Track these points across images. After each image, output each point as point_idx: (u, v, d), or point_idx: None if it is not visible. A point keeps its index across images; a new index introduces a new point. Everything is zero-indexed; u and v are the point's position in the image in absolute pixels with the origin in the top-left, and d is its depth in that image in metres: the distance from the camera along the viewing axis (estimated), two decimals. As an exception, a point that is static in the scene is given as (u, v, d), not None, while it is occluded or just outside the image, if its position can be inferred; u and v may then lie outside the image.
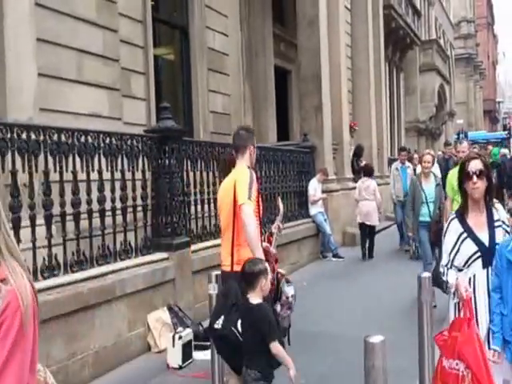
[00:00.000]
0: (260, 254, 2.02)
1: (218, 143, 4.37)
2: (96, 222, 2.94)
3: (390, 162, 10.40)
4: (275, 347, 1.84)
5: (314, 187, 6.05)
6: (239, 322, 1.94)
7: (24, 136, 2.50)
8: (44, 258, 2.58)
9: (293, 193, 5.81)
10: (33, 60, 3.08)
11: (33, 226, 2.53)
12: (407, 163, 6.57)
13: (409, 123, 15.16)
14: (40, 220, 2.61)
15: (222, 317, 1.98)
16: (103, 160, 3.00)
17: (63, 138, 2.72)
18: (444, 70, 17.94)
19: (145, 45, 4.58)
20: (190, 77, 5.48)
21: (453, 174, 3.59)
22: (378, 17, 9.79)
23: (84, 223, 2.86)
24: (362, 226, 5.92)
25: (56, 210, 2.69)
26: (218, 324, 1.98)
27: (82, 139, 2.84)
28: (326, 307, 4.02)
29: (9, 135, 2.43)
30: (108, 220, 3.02)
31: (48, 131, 2.64)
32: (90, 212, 2.89)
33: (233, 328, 1.94)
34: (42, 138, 2.60)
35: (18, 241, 2.42)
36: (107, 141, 3.01)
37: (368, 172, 6.19)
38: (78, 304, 2.65)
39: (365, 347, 1.36)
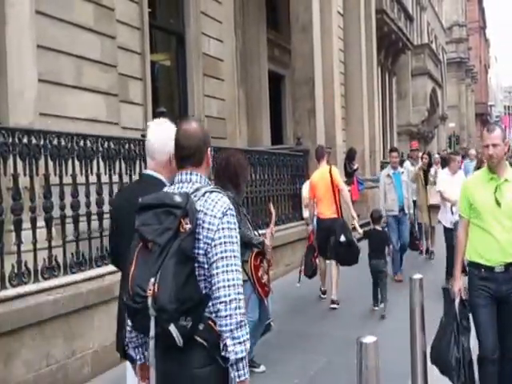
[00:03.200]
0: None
1: (213, 147, 4.44)
2: (95, 224, 3.00)
3: (383, 165, 10.56)
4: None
5: (308, 190, 6.15)
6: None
7: (25, 140, 2.56)
8: (44, 259, 2.65)
9: (286, 196, 5.90)
10: (33, 66, 3.14)
11: (33, 228, 2.59)
12: (400, 168, 5.28)
13: (401, 127, 15.34)
14: (40, 222, 2.67)
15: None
16: (102, 163, 3.06)
17: (63, 143, 2.78)
18: (436, 74, 18.20)
19: (142, 51, 4.66)
20: (186, 82, 5.56)
21: (472, 183, 2.21)
22: (371, 21, 9.94)
23: (83, 225, 2.92)
24: None
25: (56, 212, 2.75)
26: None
27: (81, 143, 2.90)
28: (319, 308, 4.11)
29: (10, 140, 2.49)
30: (106, 222, 3.09)
31: (48, 136, 2.70)
32: (88, 214, 2.96)
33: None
34: (42, 142, 2.66)
35: (20, 242, 2.50)
36: (105, 145, 3.08)
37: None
38: (78, 304, 2.71)
39: (357, 347, 1.36)
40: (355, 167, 7.74)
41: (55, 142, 2.74)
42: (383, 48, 12.75)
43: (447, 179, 4.58)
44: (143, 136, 3.62)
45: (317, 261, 4.30)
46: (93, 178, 2.99)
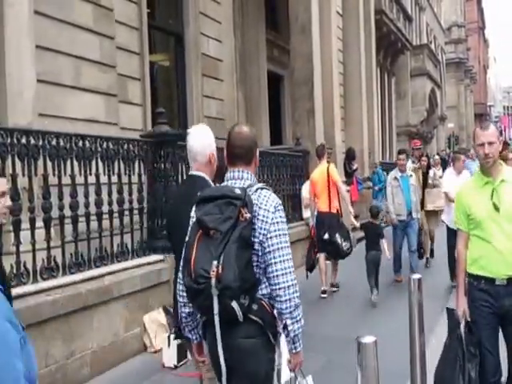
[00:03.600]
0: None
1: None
2: (94, 224, 3.00)
3: (382, 165, 10.54)
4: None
5: (308, 190, 6.16)
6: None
7: (24, 141, 2.57)
8: (43, 260, 2.65)
9: (286, 196, 5.90)
10: (32, 66, 3.14)
11: (32, 228, 2.59)
12: (408, 170, 4.90)
13: (400, 127, 15.36)
14: (39, 223, 2.67)
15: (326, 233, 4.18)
16: (100, 164, 3.07)
17: (62, 143, 2.79)
18: (435, 75, 18.23)
19: (141, 51, 4.66)
20: (185, 82, 5.57)
21: (466, 192, 1.99)
22: (370, 22, 9.96)
23: (82, 226, 2.92)
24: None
25: (55, 212, 2.75)
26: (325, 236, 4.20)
27: (80, 144, 2.91)
28: (319, 308, 4.11)
29: (9, 140, 2.50)
30: (105, 223, 3.09)
31: (47, 136, 2.71)
32: (87, 215, 2.96)
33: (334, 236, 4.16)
34: (41, 142, 2.66)
35: (18, 243, 2.50)
36: (104, 145, 3.08)
37: None
38: (77, 305, 2.71)
39: (357, 347, 1.36)
40: (355, 167, 7.75)
41: (54, 142, 2.74)
42: (382, 48, 12.77)
43: (452, 179, 4.36)
44: (142, 136, 3.65)
45: (317, 256, 4.47)
46: (92, 179, 2.99)
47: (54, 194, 2.75)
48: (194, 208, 1.44)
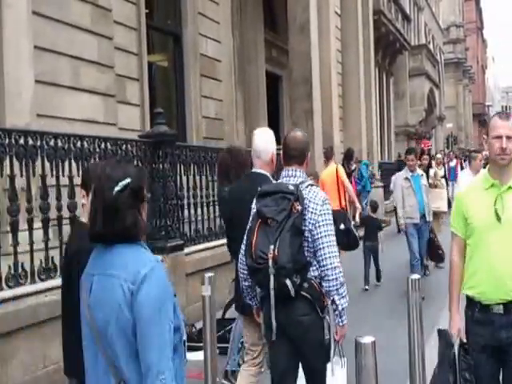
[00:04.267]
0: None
1: (210, 148, 4.46)
2: (92, 225, 3.00)
3: (380, 166, 10.54)
4: None
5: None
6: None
7: (22, 141, 2.56)
8: (41, 261, 2.64)
9: (284, 196, 5.92)
10: (30, 67, 3.14)
11: (30, 229, 2.58)
12: (418, 169, 4.50)
13: (398, 127, 15.40)
14: (37, 223, 2.67)
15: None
16: (99, 164, 3.08)
17: (60, 143, 2.78)
18: (433, 75, 18.27)
19: (139, 52, 4.67)
20: (183, 83, 5.57)
21: (467, 193, 1.74)
22: (368, 22, 9.98)
23: (80, 226, 2.92)
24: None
25: (53, 213, 2.74)
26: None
27: (78, 144, 2.90)
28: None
29: (7, 141, 2.49)
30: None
31: (45, 136, 2.70)
32: (85, 215, 2.96)
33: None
34: (39, 143, 2.65)
35: (16, 243, 2.50)
36: (102, 146, 3.08)
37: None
38: (75, 305, 2.71)
39: (356, 347, 1.37)
40: (353, 167, 7.76)
41: (52, 142, 2.73)
42: (381, 48, 12.80)
43: (469, 181, 4.03)
44: (140, 137, 3.64)
45: None
46: (90, 179, 2.99)
47: (52, 194, 2.74)
48: (254, 201, 1.72)
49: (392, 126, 15.03)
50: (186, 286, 3.67)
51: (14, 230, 2.50)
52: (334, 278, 1.63)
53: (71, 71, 3.80)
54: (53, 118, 3.49)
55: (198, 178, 4.03)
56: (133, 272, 1.03)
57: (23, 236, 2.55)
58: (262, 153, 2.07)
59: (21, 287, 2.49)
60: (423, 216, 4.24)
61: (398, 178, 4.51)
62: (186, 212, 3.91)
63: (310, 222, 1.65)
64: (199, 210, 4.06)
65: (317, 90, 6.84)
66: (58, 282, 2.67)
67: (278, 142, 7.82)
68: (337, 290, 1.64)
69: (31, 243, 2.58)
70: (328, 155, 5.20)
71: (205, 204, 4.09)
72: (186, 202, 3.91)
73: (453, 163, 11.77)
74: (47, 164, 2.72)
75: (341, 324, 1.69)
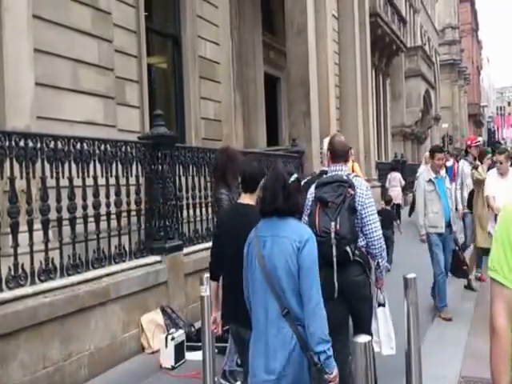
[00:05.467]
0: None
1: (209, 149, 4.49)
2: (91, 226, 3.01)
3: (377, 166, 10.60)
4: None
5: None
6: None
7: (22, 144, 2.57)
8: (41, 262, 2.66)
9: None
10: (30, 70, 3.15)
11: (30, 230, 2.59)
12: (442, 171, 3.86)
13: (395, 128, 15.49)
14: (37, 225, 2.68)
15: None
16: (98, 166, 3.07)
17: (59, 146, 2.79)
18: (429, 76, 18.40)
19: (138, 54, 4.68)
20: (182, 85, 5.59)
21: None
22: (365, 24, 10.04)
23: (80, 227, 2.93)
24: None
25: (53, 215, 2.76)
26: None
27: (78, 146, 2.92)
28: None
29: (7, 143, 2.50)
30: (103, 224, 3.10)
31: (45, 139, 2.71)
32: (85, 217, 2.97)
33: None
34: (39, 145, 2.67)
35: (16, 245, 2.51)
36: (102, 147, 3.09)
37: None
38: (74, 306, 2.72)
39: (353, 347, 1.40)
40: (350, 168, 7.82)
41: (52, 145, 2.75)
42: (377, 50, 12.88)
43: (497, 183, 3.75)
44: (139, 138, 3.66)
45: None
46: (89, 181, 3.00)
47: (52, 196, 2.75)
48: (312, 189, 2.23)
49: (388, 127, 15.12)
50: (185, 287, 3.70)
51: (14, 231, 2.51)
52: (379, 246, 2.22)
53: (71, 73, 3.81)
54: (53, 120, 3.50)
55: (196, 178, 4.06)
56: (299, 235, 1.52)
57: (23, 237, 2.56)
58: (326, 157, 2.60)
59: (21, 288, 2.51)
60: (449, 224, 3.64)
61: (421, 180, 3.78)
62: (184, 212, 3.93)
63: (359, 204, 2.17)
64: (198, 211, 4.08)
65: (314, 92, 6.88)
66: (57, 283, 2.71)
67: (275, 143, 7.79)
68: (380, 254, 2.24)
69: (31, 244, 2.59)
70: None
71: (203, 205, 4.11)
72: (184, 202, 3.93)
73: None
74: (47, 166, 2.74)
75: (381, 277, 2.31)
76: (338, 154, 2.30)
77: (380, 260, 2.24)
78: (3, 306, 2.36)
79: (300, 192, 1.63)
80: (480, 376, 2.63)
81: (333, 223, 2.06)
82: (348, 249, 2.08)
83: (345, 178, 2.19)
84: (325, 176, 2.34)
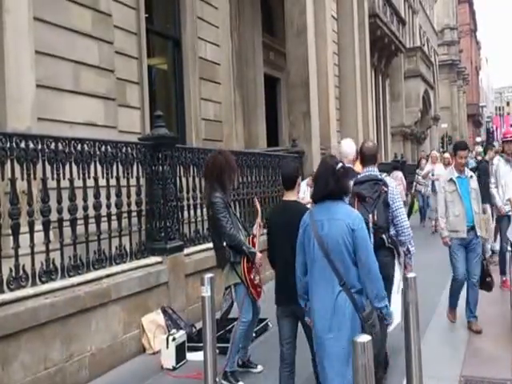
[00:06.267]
0: None
1: (209, 150, 4.50)
2: (92, 227, 3.02)
3: (378, 166, 10.57)
4: None
5: (304, 191, 6.21)
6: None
7: (23, 145, 2.58)
8: (42, 263, 2.66)
9: (282, 197, 5.95)
10: (31, 71, 3.16)
11: (31, 231, 2.60)
12: (467, 170, 3.56)
13: (394, 128, 15.51)
14: (38, 226, 2.68)
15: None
16: (99, 167, 3.08)
17: (60, 147, 2.80)
18: (428, 76, 18.43)
19: (139, 56, 4.68)
20: (183, 86, 5.59)
21: None
22: (364, 25, 10.07)
23: (80, 229, 2.94)
24: None
25: (53, 216, 2.76)
26: None
27: (79, 147, 2.92)
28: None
29: (8, 144, 2.51)
30: (104, 225, 3.11)
31: (46, 140, 2.72)
32: (86, 218, 2.97)
33: None
34: (40, 146, 2.68)
35: (17, 246, 2.51)
36: (103, 149, 3.10)
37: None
38: (75, 307, 2.72)
39: (353, 347, 1.40)
40: (350, 168, 7.84)
41: (53, 146, 2.75)
42: (376, 51, 12.90)
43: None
44: (140, 139, 3.67)
45: None
46: (90, 182, 3.01)
47: (53, 197, 2.76)
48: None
49: (388, 127, 15.14)
50: (186, 287, 3.70)
51: (15, 232, 2.52)
52: (408, 234, 2.63)
53: (72, 75, 3.81)
54: (54, 122, 3.50)
55: (197, 179, 4.06)
56: (352, 218, 1.89)
57: (24, 238, 2.57)
58: (348, 155, 3.12)
59: (22, 289, 2.51)
60: (472, 228, 3.30)
61: (442, 180, 3.54)
62: (185, 213, 3.93)
63: (390, 199, 2.59)
64: (199, 211, 4.09)
65: (314, 92, 6.90)
66: (58, 284, 2.72)
67: (275, 143, 7.79)
68: (409, 241, 2.64)
69: (32, 246, 2.60)
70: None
71: (204, 205, 4.11)
72: (185, 203, 3.94)
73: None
74: (48, 167, 2.74)
75: (410, 263, 2.69)
76: (368, 158, 2.71)
77: (409, 246, 2.65)
78: (4, 307, 2.36)
79: (347, 177, 2.00)
80: (481, 376, 2.65)
81: (370, 215, 2.45)
82: (384, 236, 2.52)
83: (379, 177, 2.61)
84: (359, 176, 2.68)
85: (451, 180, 3.43)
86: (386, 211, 2.54)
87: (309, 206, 7.08)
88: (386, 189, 2.55)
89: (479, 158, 7.81)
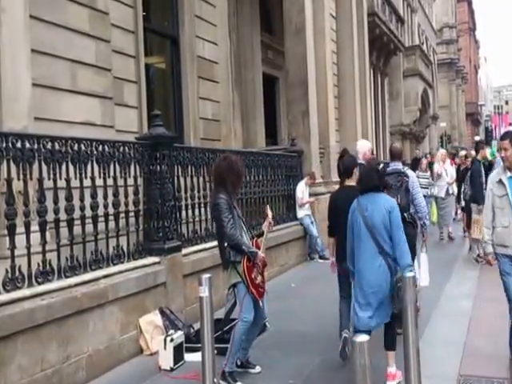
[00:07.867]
0: None
1: (208, 149, 4.48)
2: (89, 227, 3.00)
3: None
4: None
5: (302, 190, 6.20)
6: None
7: (19, 145, 2.56)
8: (38, 264, 2.64)
9: (281, 196, 5.94)
10: (28, 70, 3.13)
11: (27, 232, 2.58)
12: None
13: (393, 127, 15.52)
14: (34, 226, 2.66)
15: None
16: (96, 167, 3.06)
17: (57, 147, 2.78)
18: (427, 75, 18.43)
19: (136, 54, 4.65)
20: (181, 85, 5.57)
21: None
22: (363, 24, 10.05)
23: (77, 229, 2.91)
24: None
25: (50, 216, 2.74)
26: None
27: (76, 147, 2.90)
28: (314, 307, 4.15)
29: (4, 144, 2.48)
30: (101, 225, 3.08)
31: (42, 140, 2.70)
32: (83, 218, 2.95)
33: None
34: (36, 146, 2.65)
35: (13, 247, 2.49)
36: (100, 148, 3.08)
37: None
38: (72, 308, 2.70)
39: (351, 347, 1.44)
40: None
41: (49, 146, 2.73)
42: (375, 50, 12.89)
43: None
44: (137, 139, 3.65)
45: None
46: (87, 182, 2.99)
47: (50, 197, 2.74)
48: None
49: (387, 126, 15.15)
50: (184, 287, 3.69)
51: (11, 233, 2.50)
52: (424, 211, 3.51)
53: (69, 74, 3.78)
54: (50, 121, 3.47)
55: (195, 179, 4.04)
56: (389, 203, 2.55)
57: (20, 239, 2.55)
58: (360, 152, 3.77)
59: (18, 291, 2.49)
60: None
61: (490, 182, 2.81)
62: (183, 213, 3.92)
63: (410, 186, 3.41)
64: (197, 211, 4.07)
65: (313, 91, 6.89)
66: (55, 285, 2.70)
67: (274, 142, 7.78)
68: (425, 216, 3.57)
69: (28, 246, 2.58)
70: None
71: (202, 205, 4.10)
72: (183, 203, 3.92)
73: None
74: (44, 167, 2.72)
75: (426, 232, 3.67)
76: (395, 155, 3.64)
77: (425, 220, 3.58)
78: (0, 308, 2.34)
79: (384, 175, 2.86)
80: (479, 374, 2.64)
81: (395, 198, 2.95)
82: (405, 214, 3.21)
83: (402, 170, 3.46)
84: (388, 169, 3.47)
85: (500, 182, 2.67)
86: (407, 195, 3.36)
87: (307, 209, 6.83)
88: (406, 179, 3.40)
89: (468, 160, 6.93)
